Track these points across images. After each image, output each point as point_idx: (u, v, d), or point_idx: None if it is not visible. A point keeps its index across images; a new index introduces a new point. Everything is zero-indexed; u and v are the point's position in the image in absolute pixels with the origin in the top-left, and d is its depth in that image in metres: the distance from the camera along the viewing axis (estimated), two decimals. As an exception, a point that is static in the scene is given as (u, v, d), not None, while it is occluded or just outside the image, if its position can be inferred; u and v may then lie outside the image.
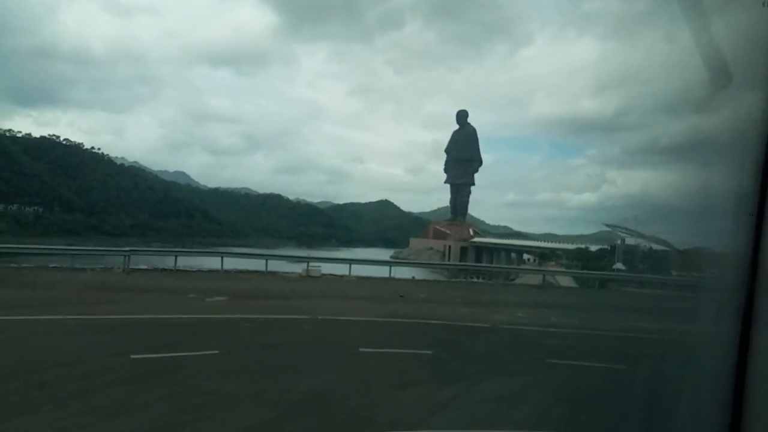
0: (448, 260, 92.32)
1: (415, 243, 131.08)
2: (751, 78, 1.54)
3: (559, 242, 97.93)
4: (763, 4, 1.45)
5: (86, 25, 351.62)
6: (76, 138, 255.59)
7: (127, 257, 24.37)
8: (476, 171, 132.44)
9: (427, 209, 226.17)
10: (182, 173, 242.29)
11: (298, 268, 27.69)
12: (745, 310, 1.44)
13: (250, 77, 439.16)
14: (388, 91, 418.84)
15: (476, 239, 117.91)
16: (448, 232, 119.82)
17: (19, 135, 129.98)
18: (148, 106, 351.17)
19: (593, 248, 76.21)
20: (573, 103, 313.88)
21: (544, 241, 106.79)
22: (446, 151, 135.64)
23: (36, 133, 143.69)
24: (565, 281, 35.16)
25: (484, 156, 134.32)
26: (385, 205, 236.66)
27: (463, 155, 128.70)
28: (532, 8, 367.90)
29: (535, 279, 33.06)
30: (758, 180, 1.44)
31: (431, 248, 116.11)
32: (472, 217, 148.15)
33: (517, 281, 38.50)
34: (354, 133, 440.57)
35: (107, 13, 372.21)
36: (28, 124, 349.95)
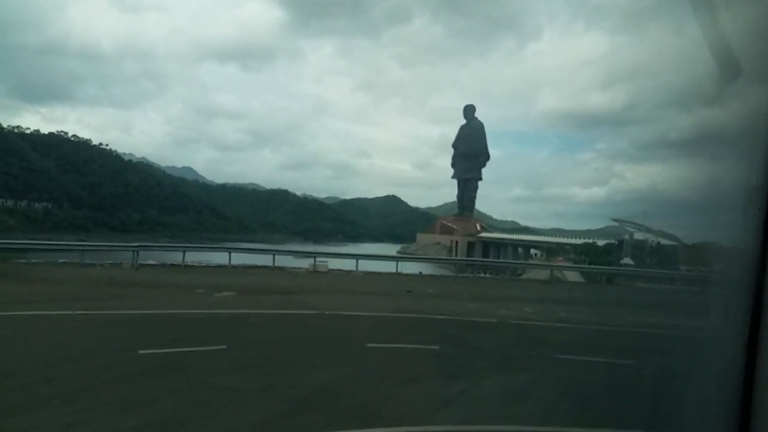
0: (455, 255, 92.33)
1: (422, 238, 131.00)
2: (760, 71, 1.53)
3: (567, 237, 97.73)
4: None
5: (94, 22, 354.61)
6: (84, 134, 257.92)
7: (135, 253, 24.50)
8: (483, 166, 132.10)
9: (434, 204, 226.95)
10: (190, 169, 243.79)
11: (305, 264, 27.74)
12: (753, 305, 1.42)
13: (256, 73, 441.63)
14: (394, 86, 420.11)
15: (483, 234, 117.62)
16: (455, 227, 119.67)
17: (28, 132, 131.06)
18: (156, 102, 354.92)
19: (601, 243, 76.03)
20: (581, 97, 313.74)
21: (552, 236, 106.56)
22: (453, 146, 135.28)
23: (44, 130, 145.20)
24: (573, 276, 35.07)
25: (491, 151, 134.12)
26: (392, 201, 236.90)
27: (470, 150, 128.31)
28: (539, 2, 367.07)
29: (543, 274, 32.97)
30: (766, 174, 1.43)
31: (438, 243, 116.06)
32: (479, 212, 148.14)
33: (525, 276, 38.38)
34: (360, 128, 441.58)
35: (115, 10, 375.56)
36: (37, 120, 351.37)
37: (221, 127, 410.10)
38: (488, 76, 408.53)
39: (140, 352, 9.27)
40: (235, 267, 26.00)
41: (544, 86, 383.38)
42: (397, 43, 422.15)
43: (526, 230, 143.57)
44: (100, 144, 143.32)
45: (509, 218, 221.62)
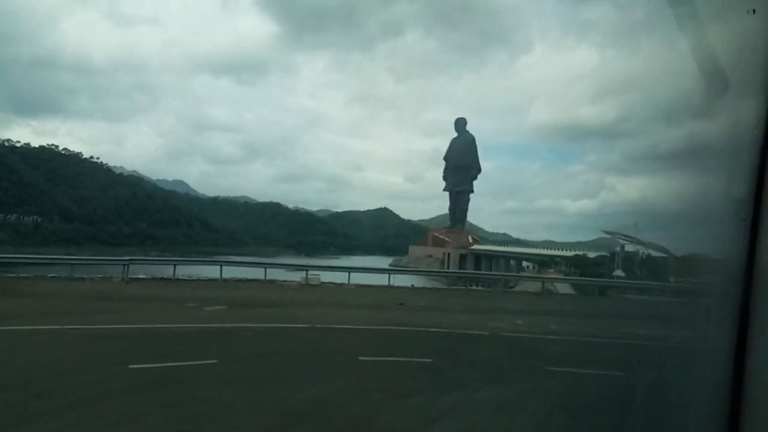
0: (447, 268, 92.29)
1: (414, 251, 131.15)
2: (748, 84, 1.55)
3: (558, 249, 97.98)
4: (753, 11, 1.46)
5: (87, 34, 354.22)
6: (75, 147, 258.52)
7: (125, 266, 24.39)
8: (475, 178, 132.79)
9: (427, 217, 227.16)
10: (181, 182, 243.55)
11: (297, 277, 27.70)
12: (741, 316, 1.44)
13: (250, 86, 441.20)
14: (388, 99, 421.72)
15: (475, 247, 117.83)
16: (447, 239, 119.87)
17: (18, 145, 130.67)
18: (148, 115, 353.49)
19: (591, 255, 76.38)
20: (572, 110, 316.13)
21: (543, 248, 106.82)
22: (445, 158, 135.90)
23: (36, 143, 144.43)
24: (564, 288, 35.14)
25: (483, 163, 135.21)
26: (384, 213, 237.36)
27: (461, 163, 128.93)
28: (531, 16, 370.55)
29: (534, 286, 33.00)
30: (753, 185, 1.45)
31: (430, 256, 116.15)
32: (471, 224, 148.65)
33: (516, 288, 38.42)
34: (353, 141, 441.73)
35: (108, 22, 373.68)
36: (28, 133, 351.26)
37: (214, 140, 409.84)
38: (481, 89, 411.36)
39: (131, 366, 9.20)
40: (226, 280, 25.93)
41: (535, 99, 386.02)
42: (390, 57, 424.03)
43: (518, 242, 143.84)
44: (91, 157, 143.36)
45: (501, 230, 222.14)
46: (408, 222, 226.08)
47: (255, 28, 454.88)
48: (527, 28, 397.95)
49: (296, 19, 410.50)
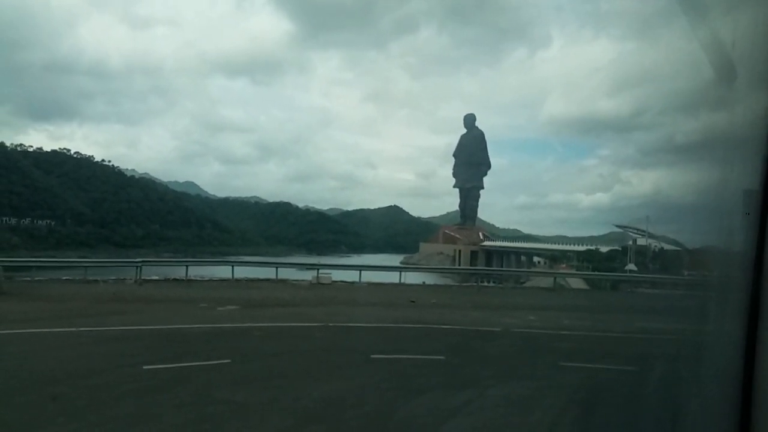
0: (459, 265, 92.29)
1: (425, 248, 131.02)
2: (759, 75, 1.54)
3: (570, 244, 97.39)
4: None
5: (103, 38, 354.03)
6: (90, 151, 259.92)
7: (138, 268, 24.53)
8: (485, 174, 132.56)
9: (437, 214, 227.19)
10: (192, 183, 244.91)
11: (309, 276, 27.73)
12: (750, 308, 1.43)
13: (264, 86, 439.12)
14: (402, 97, 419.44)
15: (486, 243, 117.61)
16: (457, 236, 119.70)
17: (31, 149, 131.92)
18: (163, 117, 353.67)
19: (604, 249, 75.94)
20: (589, 103, 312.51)
21: (555, 243, 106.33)
22: (454, 155, 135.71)
23: (52, 147, 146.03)
24: (577, 283, 34.98)
25: (497, 159, 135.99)
26: (395, 211, 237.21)
27: (471, 159, 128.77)
28: (549, 10, 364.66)
29: (546, 281, 32.92)
30: (762, 177, 1.44)
31: (441, 253, 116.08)
32: (482, 220, 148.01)
33: (528, 284, 38.29)
34: (366, 139, 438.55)
35: (124, 25, 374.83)
36: (44, 138, 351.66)
37: (228, 141, 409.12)
38: (496, 84, 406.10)
39: (145, 367, 9.26)
40: (238, 280, 26.04)
41: (551, 94, 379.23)
42: (404, 54, 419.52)
43: (529, 238, 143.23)
44: (103, 160, 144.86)
45: (512, 226, 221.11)
46: (418, 219, 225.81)
47: (270, 28, 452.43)
48: (544, 22, 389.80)
49: (311, 16, 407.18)
